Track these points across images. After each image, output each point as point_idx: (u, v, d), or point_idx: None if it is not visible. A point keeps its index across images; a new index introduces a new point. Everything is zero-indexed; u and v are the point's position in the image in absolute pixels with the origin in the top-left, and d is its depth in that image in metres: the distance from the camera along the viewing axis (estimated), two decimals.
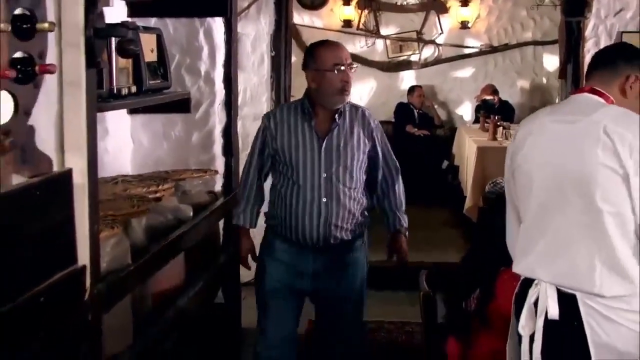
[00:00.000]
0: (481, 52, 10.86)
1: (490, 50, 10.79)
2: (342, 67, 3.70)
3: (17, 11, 2.38)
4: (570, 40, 6.51)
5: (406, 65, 10.77)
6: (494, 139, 8.39)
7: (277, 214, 3.90)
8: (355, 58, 10.60)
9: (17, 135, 2.42)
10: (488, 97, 9.91)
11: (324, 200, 3.76)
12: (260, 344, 4.03)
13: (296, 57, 7.55)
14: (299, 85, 6.98)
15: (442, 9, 10.68)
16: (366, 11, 10.60)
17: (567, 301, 2.64)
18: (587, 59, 6.26)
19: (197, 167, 5.13)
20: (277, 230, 3.91)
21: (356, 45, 10.69)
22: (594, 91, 2.75)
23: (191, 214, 4.23)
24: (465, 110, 10.95)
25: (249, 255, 4.12)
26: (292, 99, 6.81)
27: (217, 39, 5.36)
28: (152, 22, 4.78)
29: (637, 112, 2.74)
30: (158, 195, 4.07)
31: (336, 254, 3.87)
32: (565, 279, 2.65)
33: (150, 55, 4.12)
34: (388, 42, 10.78)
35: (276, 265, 3.93)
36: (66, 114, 2.72)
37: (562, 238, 2.67)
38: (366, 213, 3.98)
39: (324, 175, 3.75)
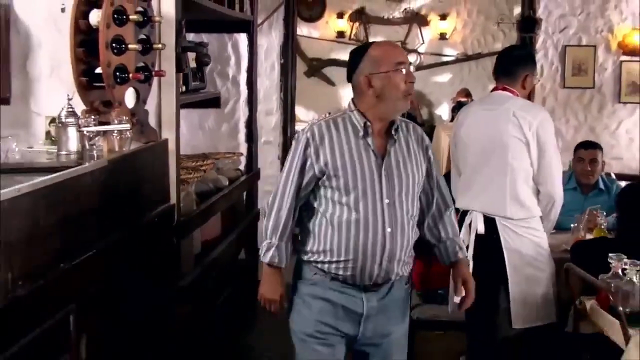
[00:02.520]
0: (457, 60, 11.62)
1: (465, 58, 11.54)
2: (404, 66, 3.03)
3: (141, 36, 3.73)
4: None
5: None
6: None
7: (324, 248, 3.04)
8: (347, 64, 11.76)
9: (139, 115, 3.76)
10: (462, 99, 10.50)
11: (389, 230, 2.99)
12: None
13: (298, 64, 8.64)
14: (299, 89, 8.19)
15: (424, 22, 11.46)
16: (357, 23, 11.39)
17: (490, 222, 4.01)
18: (538, 67, 7.45)
19: (226, 151, 6.25)
20: (323, 266, 3.06)
21: (348, 54, 11.67)
22: (505, 89, 4.10)
23: (226, 183, 5.52)
24: (443, 111, 11.80)
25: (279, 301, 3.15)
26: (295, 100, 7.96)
27: (241, 50, 6.55)
28: (191, 36, 5.79)
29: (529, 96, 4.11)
30: (204, 168, 5.36)
31: (391, 293, 3.13)
32: (489, 209, 4.02)
33: (192, 62, 5.34)
34: None
35: (321, 304, 3.09)
36: (163, 102, 4.07)
37: (486, 183, 4.03)
38: None
39: (387, 201, 2.99)
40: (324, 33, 11.41)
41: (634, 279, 3.28)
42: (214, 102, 6.12)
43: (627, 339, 3.06)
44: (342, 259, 3.02)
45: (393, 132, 3.05)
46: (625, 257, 3.35)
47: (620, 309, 3.16)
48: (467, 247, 4.04)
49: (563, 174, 4.60)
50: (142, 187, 3.64)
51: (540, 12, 7.48)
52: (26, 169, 3.01)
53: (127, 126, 3.37)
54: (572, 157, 5.49)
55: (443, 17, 11.47)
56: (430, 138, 10.79)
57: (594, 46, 7.49)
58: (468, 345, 4.43)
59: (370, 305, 3.08)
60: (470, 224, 4.07)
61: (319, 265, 3.08)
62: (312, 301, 3.11)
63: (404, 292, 3.20)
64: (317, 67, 11.40)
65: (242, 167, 6.30)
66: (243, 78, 6.59)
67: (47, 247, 2.62)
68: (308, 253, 3.10)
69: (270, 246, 3.10)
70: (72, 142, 3.31)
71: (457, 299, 3.24)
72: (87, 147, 3.40)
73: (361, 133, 3.03)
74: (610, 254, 3.39)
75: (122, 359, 3.27)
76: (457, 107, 10.66)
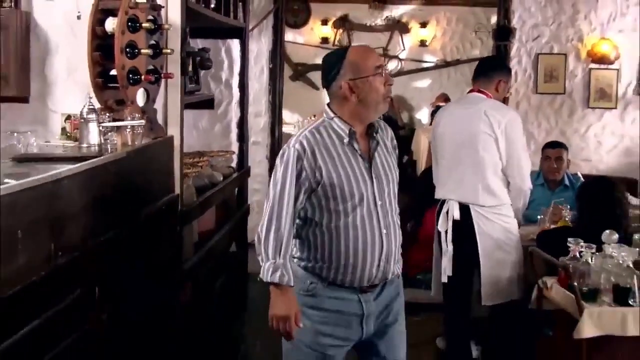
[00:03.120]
0: (437, 66, 11.93)
1: (444, 64, 11.86)
2: (382, 69, 3.07)
3: (151, 42, 4.12)
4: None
5: None
6: None
7: (319, 255, 3.07)
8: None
9: (149, 113, 4.16)
10: (441, 104, 10.50)
11: (384, 232, 3.06)
12: None
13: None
14: (285, 92, 8.47)
15: (405, 30, 11.78)
16: (341, 30, 11.69)
17: (464, 210, 4.45)
18: (512, 74, 7.82)
19: (219, 149, 6.65)
20: (321, 273, 3.08)
21: None
22: (479, 91, 4.54)
23: (221, 179, 5.90)
24: (423, 115, 12.13)
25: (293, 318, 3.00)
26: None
27: (234, 55, 6.96)
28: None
29: (502, 100, 4.57)
30: (200, 164, 5.75)
31: (385, 290, 3.17)
32: (463, 197, 4.45)
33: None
34: None
35: (318, 314, 3.11)
36: (169, 102, 4.46)
37: (461, 175, 4.46)
38: None
39: (380, 203, 3.06)
40: (309, 39, 11.73)
41: (589, 260, 3.70)
42: (209, 103, 6.58)
43: (581, 311, 3.49)
44: (341, 263, 3.02)
45: (375, 134, 3.11)
46: (582, 241, 3.77)
47: (576, 284, 3.59)
48: (446, 232, 4.47)
49: (532, 172, 5.05)
50: (152, 177, 4.05)
51: (514, 22, 7.90)
52: (57, 158, 3.39)
53: (142, 122, 3.79)
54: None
55: (423, 24, 11.77)
56: (411, 140, 11.31)
57: (564, 54, 7.94)
58: (445, 325, 4.85)
59: (368, 305, 3.10)
60: (447, 212, 4.50)
61: (317, 272, 3.07)
62: (309, 312, 3.08)
63: (397, 287, 3.22)
64: (302, 72, 11.73)
65: (234, 164, 6.69)
66: (235, 81, 7.00)
67: (79, 225, 3.02)
68: (304, 261, 3.10)
69: (276, 267, 2.96)
70: (93, 135, 3.71)
71: None
72: (102, 141, 3.80)
73: (346, 139, 3.04)
74: (569, 239, 3.81)
75: (136, 327, 3.67)
76: (436, 111, 10.93)
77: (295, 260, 3.13)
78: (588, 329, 3.46)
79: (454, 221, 4.46)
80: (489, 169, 4.42)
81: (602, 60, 7.92)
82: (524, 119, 7.72)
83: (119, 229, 3.40)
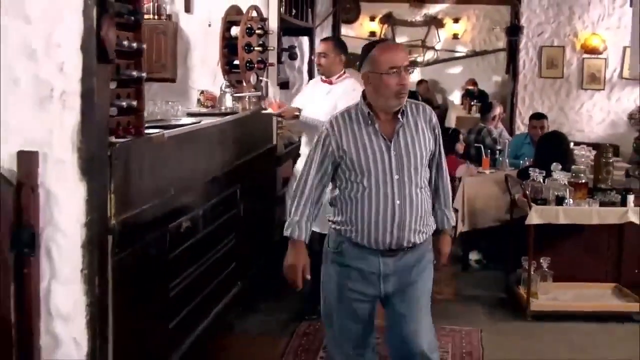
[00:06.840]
0: (467, 56, 13.49)
1: (473, 54, 13.44)
2: (397, 70, 3.28)
3: (260, 42, 6.28)
4: (511, 51, 9.94)
5: (414, 64, 13.06)
6: (469, 112, 12.09)
7: (345, 219, 3.40)
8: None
9: (258, 89, 6.31)
10: (470, 87, 12.60)
11: (398, 202, 3.33)
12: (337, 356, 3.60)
13: None
14: None
15: (440, 25, 13.42)
16: (386, 25, 13.47)
17: None
18: (521, 63, 9.87)
19: None
20: (346, 234, 3.41)
21: None
22: None
23: (297, 139, 7.95)
24: (455, 96, 13.83)
25: (302, 272, 3.45)
26: None
27: (304, 48, 9.08)
28: None
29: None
30: (282, 128, 7.85)
31: (406, 257, 3.42)
32: None
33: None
34: None
35: (344, 270, 3.45)
36: (270, 81, 6.61)
37: None
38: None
39: (396, 177, 3.33)
40: (359, 32, 13.13)
41: (541, 181, 5.75)
42: (285, 84, 8.45)
43: (530, 208, 5.56)
44: (360, 228, 3.36)
45: (400, 116, 3.36)
46: (538, 169, 5.82)
47: (528, 193, 5.65)
48: None
49: (523, 134, 7.05)
50: (262, 130, 6.22)
51: (523, 21, 9.79)
52: (211, 114, 5.57)
53: (259, 93, 5.96)
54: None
55: (456, 20, 13.46)
56: (445, 117, 13.06)
57: (563, 47, 9.79)
58: None
59: (386, 266, 3.40)
60: None
61: (344, 234, 3.41)
62: (336, 268, 3.47)
63: (420, 253, 3.47)
64: (352, 62, 13.50)
65: None
66: (304, 68, 9.12)
67: (231, 151, 5.18)
68: (336, 224, 3.45)
69: (291, 224, 3.43)
70: (229, 102, 5.87)
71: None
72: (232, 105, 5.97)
73: (369, 121, 3.36)
74: (530, 168, 5.89)
75: (253, 219, 5.84)
76: (466, 94, 12.78)
77: (331, 223, 3.51)
78: (534, 218, 5.52)
79: None
80: None
81: (593, 51, 9.72)
82: (531, 98, 9.73)
83: (247, 157, 5.56)
